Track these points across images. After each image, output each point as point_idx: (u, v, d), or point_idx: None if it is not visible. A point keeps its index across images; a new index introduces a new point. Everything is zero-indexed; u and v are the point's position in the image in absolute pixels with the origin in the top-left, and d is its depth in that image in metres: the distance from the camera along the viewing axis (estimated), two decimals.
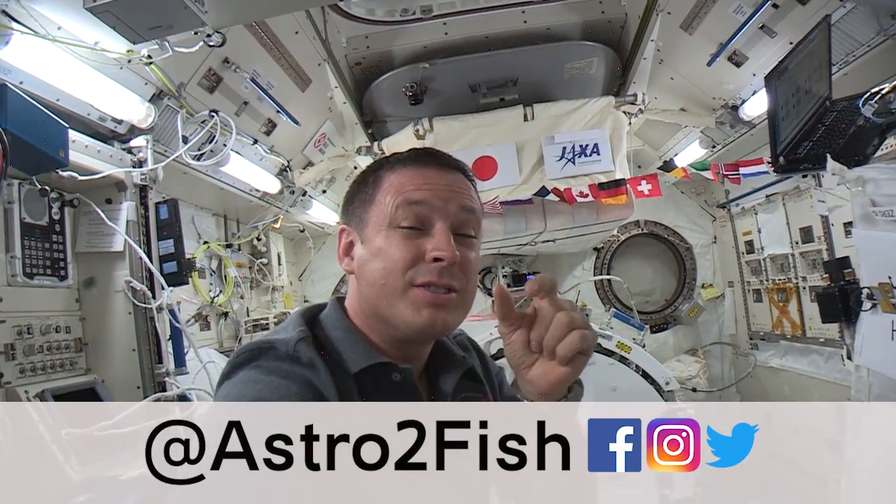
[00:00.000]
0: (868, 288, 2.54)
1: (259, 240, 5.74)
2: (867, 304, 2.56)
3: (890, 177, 2.31)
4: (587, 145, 4.80)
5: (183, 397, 3.19)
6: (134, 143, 3.35)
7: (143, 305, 3.17)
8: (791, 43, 3.63)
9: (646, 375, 4.41)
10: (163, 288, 3.25)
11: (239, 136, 4.13)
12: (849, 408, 2.78)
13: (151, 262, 3.25)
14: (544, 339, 1.17)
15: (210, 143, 3.76)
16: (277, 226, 5.76)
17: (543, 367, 1.20)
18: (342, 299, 1.43)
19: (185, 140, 3.54)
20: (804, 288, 5.23)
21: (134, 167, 3.30)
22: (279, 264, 6.12)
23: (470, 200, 1.37)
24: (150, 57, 2.96)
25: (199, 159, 3.77)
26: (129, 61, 2.99)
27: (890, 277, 2.39)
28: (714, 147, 5.46)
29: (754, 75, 4.35)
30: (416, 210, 1.31)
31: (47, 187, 2.90)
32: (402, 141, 4.96)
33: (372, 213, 1.35)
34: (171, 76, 3.34)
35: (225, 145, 3.82)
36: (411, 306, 1.29)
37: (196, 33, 2.83)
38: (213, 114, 3.62)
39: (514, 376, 1.28)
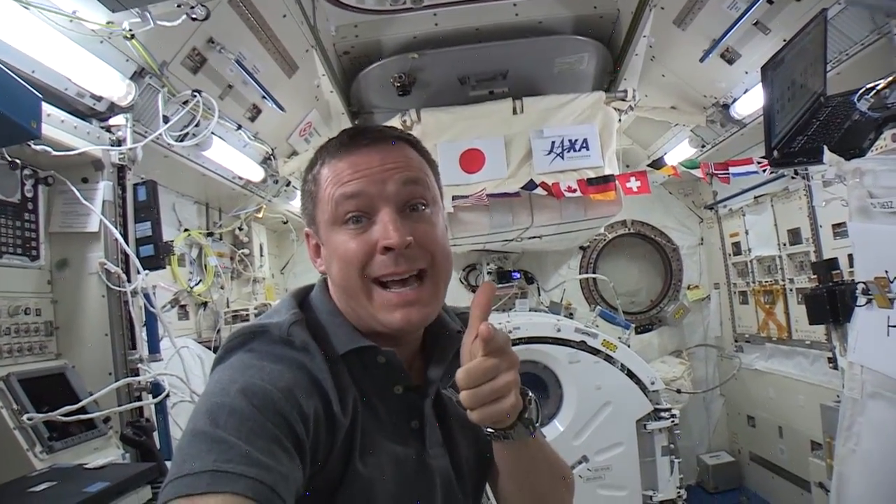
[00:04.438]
0: (864, 283, 2.48)
1: (241, 229, 5.65)
2: (862, 300, 2.51)
3: (889, 168, 2.27)
4: (576, 140, 4.75)
5: (156, 384, 3.09)
6: (113, 121, 3.24)
7: (118, 289, 3.07)
8: (784, 40, 3.59)
9: (631, 375, 4.36)
10: (138, 271, 3.14)
11: (222, 121, 4.06)
12: (839, 407, 2.72)
13: (127, 244, 3.14)
14: None
15: (192, 124, 3.67)
16: (260, 215, 5.66)
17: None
18: (322, 284, 1.43)
19: (166, 120, 3.44)
20: (791, 290, 5.21)
21: (112, 146, 3.19)
22: (261, 255, 6.03)
23: (410, 169, 1.33)
24: (131, 31, 2.86)
25: (181, 141, 3.67)
26: (111, 35, 2.89)
27: (887, 271, 2.33)
28: (704, 146, 5.45)
29: (746, 73, 4.33)
30: (356, 203, 1.28)
31: (18, 160, 2.78)
32: None
33: (319, 214, 1.34)
34: (154, 54, 3.24)
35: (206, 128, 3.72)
36: (382, 309, 1.28)
37: (179, 6, 2.74)
38: (196, 94, 3.52)
39: None
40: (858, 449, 2.59)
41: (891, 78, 2.75)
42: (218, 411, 1.08)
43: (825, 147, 2.59)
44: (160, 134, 3.40)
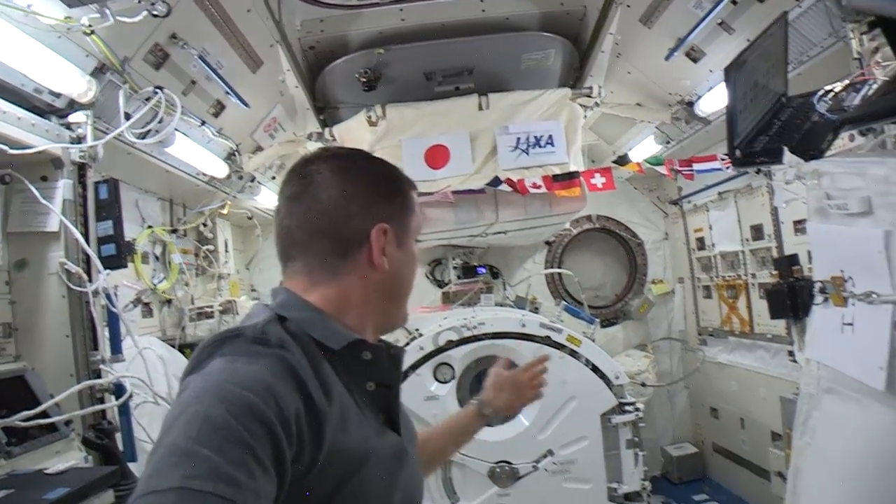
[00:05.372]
0: (821, 282, 2.53)
1: (205, 225, 5.59)
2: (819, 298, 2.56)
3: (846, 171, 2.31)
4: (542, 136, 4.77)
5: (119, 385, 3.05)
6: (73, 118, 3.17)
7: (78, 289, 3.02)
8: (748, 40, 3.63)
9: (595, 369, 4.39)
10: (99, 271, 3.09)
11: (186, 117, 4.00)
12: (797, 401, 2.78)
13: (88, 243, 3.09)
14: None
15: (154, 121, 3.61)
16: (224, 211, 5.60)
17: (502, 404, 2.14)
18: (287, 288, 1.43)
19: (128, 117, 3.38)
20: (753, 285, 5.29)
21: (72, 143, 3.13)
22: (226, 251, 5.97)
23: None
24: (90, 27, 2.81)
25: (143, 138, 3.61)
26: (69, 30, 2.83)
27: (842, 271, 2.38)
28: (669, 143, 5.50)
29: (711, 71, 4.37)
30: None
31: None
32: (354, 128, 4.88)
33: (412, 224, 1.52)
34: (115, 50, 3.18)
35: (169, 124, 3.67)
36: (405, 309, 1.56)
37: (139, 1, 2.70)
38: (158, 90, 3.46)
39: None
40: (813, 443, 2.64)
41: (847, 81, 2.80)
42: (191, 420, 1.06)
43: (786, 148, 2.62)
44: (122, 131, 3.34)
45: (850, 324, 2.37)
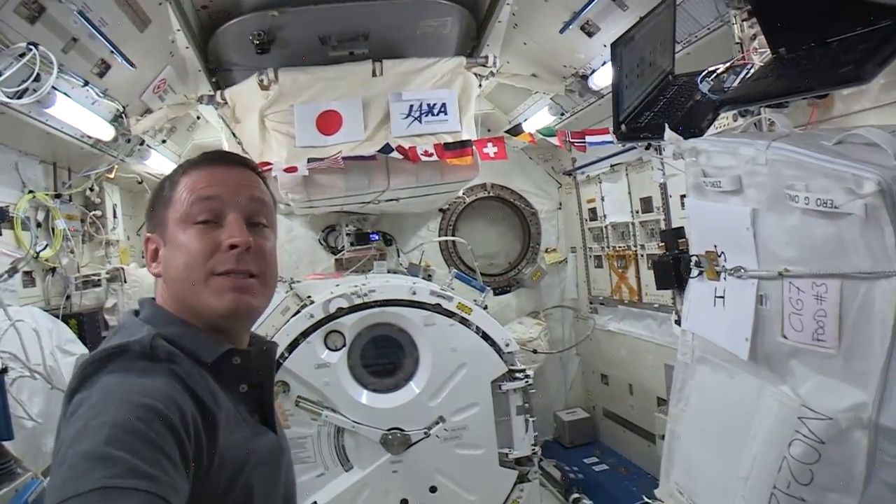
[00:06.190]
0: (696, 255, 2.62)
1: (92, 190, 5.32)
2: (695, 272, 2.65)
3: (720, 149, 2.38)
4: (435, 104, 4.77)
5: None
6: None
7: None
8: (641, 18, 3.72)
9: (486, 337, 4.44)
10: None
11: (67, 76, 3.80)
12: (674, 369, 2.90)
13: None
14: None
15: (30, 80, 3.39)
16: (112, 176, 5.34)
17: None
18: (153, 300, 1.49)
19: None
20: (642, 255, 5.47)
21: None
22: (114, 217, 5.72)
23: (259, 192, 1.53)
24: None
25: (19, 98, 3.39)
26: None
27: (716, 246, 2.47)
28: (563, 114, 5.58)
29: (605, 46, 4.42)
30: (209, 205, 1.43)
31: None
32: (245, 91, 4.74)
33: (170, 214, 1.45)
34: None
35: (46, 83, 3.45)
36: (214, 293, 1.39)
37: None
38: (32, 46, 3.25)
39: None
40: (687, 409, 2.77)
41: (728, 64, 2.90)
42: (98, 429, 1.05)
43: (667, 125, 2.69)
44: None
45: (722, 297, 2.47)
